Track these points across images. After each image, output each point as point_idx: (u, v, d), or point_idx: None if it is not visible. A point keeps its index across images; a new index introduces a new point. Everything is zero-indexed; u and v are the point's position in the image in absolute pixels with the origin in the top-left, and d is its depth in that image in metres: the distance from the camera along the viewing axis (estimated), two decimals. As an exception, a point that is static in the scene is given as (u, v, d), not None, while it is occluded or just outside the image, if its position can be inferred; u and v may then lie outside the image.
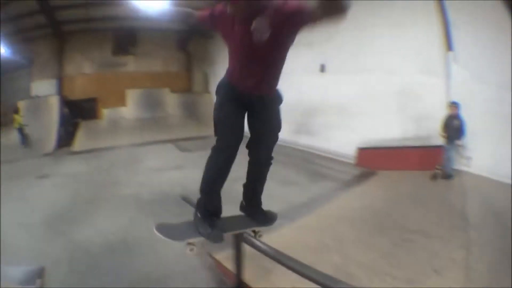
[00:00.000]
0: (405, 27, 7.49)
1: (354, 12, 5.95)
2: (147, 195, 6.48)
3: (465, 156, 6.86)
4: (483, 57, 6.61)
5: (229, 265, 3.35)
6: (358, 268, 3.36)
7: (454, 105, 6.60)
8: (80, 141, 13.17)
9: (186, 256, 3.70)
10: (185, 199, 4.07)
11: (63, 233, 4.99)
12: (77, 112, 15.16)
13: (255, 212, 2.45)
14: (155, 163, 9.00)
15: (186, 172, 7.91)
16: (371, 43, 8.17)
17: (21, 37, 14.21)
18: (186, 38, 17.21)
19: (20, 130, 12.62)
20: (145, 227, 4.64)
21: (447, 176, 6.65)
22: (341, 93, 8.89)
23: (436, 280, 3.23)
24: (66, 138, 13.71)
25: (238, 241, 2.68)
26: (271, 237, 2.88)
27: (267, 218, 2.45)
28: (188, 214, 4.25)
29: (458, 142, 6.59)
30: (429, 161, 7.08)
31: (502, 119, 6.23)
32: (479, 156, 6.64)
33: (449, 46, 7.09)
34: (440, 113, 6.93)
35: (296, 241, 3.85)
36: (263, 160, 2.30)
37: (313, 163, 8.28)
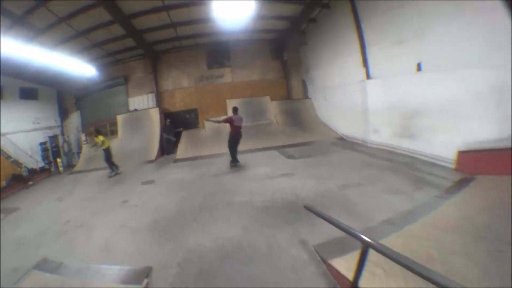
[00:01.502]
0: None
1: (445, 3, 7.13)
2: (259, 202, 6.71)
3: None
4: None
5: (343, 270, 3.75)
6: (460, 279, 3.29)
7: None
8: (183, 149, 14.30)
9: (301, 262, 4.20)
10: (308, 208, 4.64)
11: (169, 238, 5.39)
12: (179, 123, 17.13)
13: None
14: (264, 171, 9.42)
15: (295, 179, 8.27)
16: (467, 33, 7.73)
17: (112, 59, 16.12)
18: (281, 47, 17.90)
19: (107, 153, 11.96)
20: (260, 234, 5.21)
21: None
22: (440, 92, 8.67)
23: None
24: (169, 147, 15.03)
25: (364, 247, 3.17)
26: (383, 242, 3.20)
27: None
28: (307, 220, 4.78)
29: None
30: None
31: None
32: None
33: None
34: None
35: (403, 249, 3.99)
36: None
37: (416, 169, 8.24)
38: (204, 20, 13.56)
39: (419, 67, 9.39)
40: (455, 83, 8.17)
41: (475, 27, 7.48)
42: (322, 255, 4.36)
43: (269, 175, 8.90)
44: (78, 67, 14.52)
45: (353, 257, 3.45)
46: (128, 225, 6.28)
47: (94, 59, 15.94)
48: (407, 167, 8.52)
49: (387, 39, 10.53)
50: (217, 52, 17.97)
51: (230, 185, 8.34)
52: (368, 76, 11.76)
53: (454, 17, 7.91)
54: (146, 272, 4.08)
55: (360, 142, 12.54)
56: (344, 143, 12.96)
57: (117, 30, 13.20)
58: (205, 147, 14.05)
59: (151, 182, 9.66)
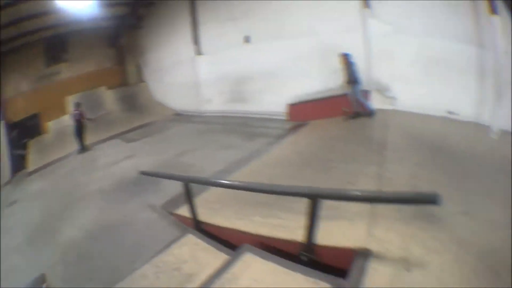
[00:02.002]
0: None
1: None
2: (108, 186, 7.06)
3: (389, 96, 8.17)
4: (403, 11, 7.86)
5: (187, 214, 4.17)
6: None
7: (344, 55, 7.75)
8: (33, 160, 12.97)
9: (153, 221, 4.68)
10: (144, 173, 5.32)
11: (47, 241, 5.35)
12: (24, 133, 15.03)
13: None
14: (107, 160, 9.39)
15: (136, 159, 8.59)
16: (292, 11, 9.21)
17: None
18: (117, 33, 17.29)
19: None
20: (115, 210, 5.61)
21: (358, 115, 7.86)
22: (267, 59, 9.86)
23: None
24: (20, 161, 13.60)
25: (185, 184, 3.92)
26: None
27: None
28: (151, 188, 5.31)
29: (358, 85, 7.76)
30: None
31: (426, 61, 7.63)
32: (406, 95, 7.96)
33: (366, 3, 8.28)
34: (361, 64, 8.04)
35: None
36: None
37: (248, 126, 9.22)
38: (43, 13, 12.11)
39: (247, 40, 10.38)
40: (281, 51, 9.47)
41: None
42: (169, 209, 4.87)
43: (113, 161, 8.98)
44: None
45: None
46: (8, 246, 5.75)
47: None
48: (240, 126, 9.44)
49: (220, 17, 11.25)
50: (53, 47, 16.30)
51: (82, 179, 8.34)
52: (199, 53, 12.30)
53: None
54: (42, 279, 4.02)
55: (196, 114, 13.08)
56: (181, 117, 13.50)
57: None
58: (54, 152, 13.24)
59: (15, 202, 8.66)
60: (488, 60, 7.16)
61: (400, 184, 3.94)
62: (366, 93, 8.15)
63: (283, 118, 9.15)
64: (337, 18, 8.61)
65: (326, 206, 3.34)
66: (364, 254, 2.64)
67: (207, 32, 12.02)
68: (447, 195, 3.50)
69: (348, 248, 2.76)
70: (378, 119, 7.59)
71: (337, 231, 3.04)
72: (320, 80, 8.81)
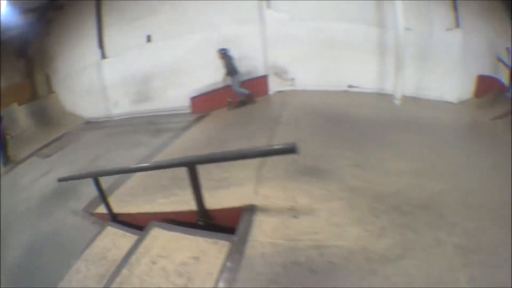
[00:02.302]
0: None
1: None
2: (34, 203, 7.11)
3: (288, 78, 9.39)
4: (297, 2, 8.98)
5: (105, 211, 4.71)
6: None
7: (221, 51, 8.84)
8: None
9: (79, 224, 5.18)
10: (62, 179, 5.51)
11: None
12: None
13: None
14: (27, 178, 9.24)
15: (54, 172, 8.52)
16: (192, 8, 9.85)
17: None
18: (25, 42, 16.16)
19: None
20: (44, 224, 5.82)
21: (243, 103, 9.11)
22: (169, 57, 10.39)
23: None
24: None
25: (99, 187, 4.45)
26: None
27: None
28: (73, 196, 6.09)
29: (237, 76, 8.99)
30: (254, 90, 9.43)
31: (322, 43, 8.92)
32: (304, 76, 9.38)
33: None
34: (257, 54, 9.38)
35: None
36: None
37: (155, 124, 9.88)
38: None
39: (148, 39, 10.78)
40: (181, 46, 10.14)
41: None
42: (89, 211, 5.39)
43: (34, 179, 8.86)
44: None
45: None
46: None
47: None
48: (146, 125, 10.08)
49: (125, 18, 11.33)
50: None
51: (10, 201, 8.03)
52: (103, 56, 12.31)
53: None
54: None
55: (105, 119, 13.00)
56: (91, 125, 13.29)
57: None
58: None
59: None
60: (388, 39, 8.75)
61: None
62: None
63: (187, 111, 10.04)
64: (235, 11, 9.52)
65: (218, 178, 4.21)
66: (250, 210, 3.15)
67: (111, 35, 11.99)
68: (337, 153, 4.72)
69: (235, 207, 3.30)
70: (277, 100, 8.84)
71: (228, 196, 3.66)
72: (219, 71, 9.51)
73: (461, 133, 6.59)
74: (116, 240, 3.84)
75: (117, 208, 4.65)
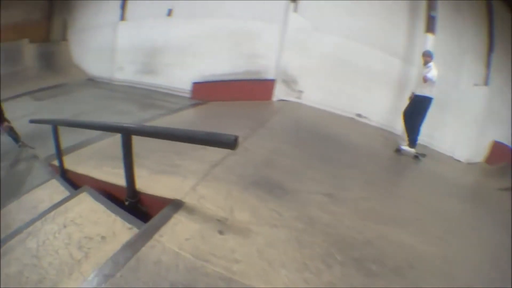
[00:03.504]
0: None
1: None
2: (3, 141, 6.97)
3: (296, 89, 8.96)
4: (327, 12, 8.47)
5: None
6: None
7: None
8: None
9: (32, 170, 5.24)
10: (33, 121, 5.33)
11: None
12: None
13: None
14: (10, 116, 9.13)
15: (37, 116, 8.11)
16: None
17: None
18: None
19: None
20: (3, 163, 5.78)
21: None
22: (183, 35, 10.01)
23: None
24: None
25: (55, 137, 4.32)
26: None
27: None
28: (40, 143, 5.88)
29: None
30: (258, 92, 9.03)
31: (338, 62, 8.36)
32: (313, 91, 8.91)
33: None
34: (270, 54, 8.83)
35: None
36: None
37: (151, 98, 9.59)
38: None
39: (169, 13, 10.44)
40: (198, 28, 9.69)
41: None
42: (49, 160, 5.16)
43: (15, 117, 8.66)
44: None
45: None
46: None
47: None
48: (142, 97, 9.84)
49: None
50: None
51: None
52: (122, 18, 12.08)
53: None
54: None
55: (107, 81, 12.94)
56: (92, 83, 13.31)
57: None
58: None
59: None
60: (411, 76, 8.12)
61: (254, 154, 4.45)
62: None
63: (187, 95, 9.67)
64: (260, 7, 8.99)
65: (169, 163, 3.94)
66: (174, 206, 2.82)
67: None
68: (312, 175, 4.20)
69: (163, 197, 3.02)
70: (276, 107, 8.40)
71: (165, 183, 3.38)
72: (228, 62, 9.28)
73: (462, 193, 5.88)
74: (53, 194, 3.76)
75: (69, 165, 4.47)
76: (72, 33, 16.18)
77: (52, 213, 2.98)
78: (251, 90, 9.02)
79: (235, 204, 2.99)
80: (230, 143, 2.03)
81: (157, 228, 2.43)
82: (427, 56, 6.53)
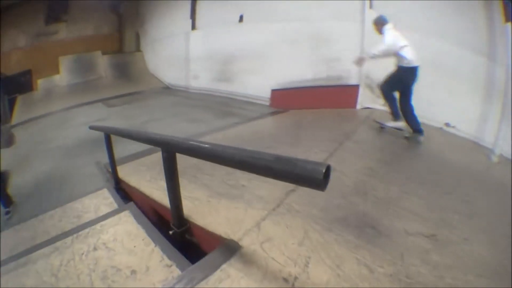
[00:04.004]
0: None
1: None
2: (71, 143, 7.43)
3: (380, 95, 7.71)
4: (406, 6, 7.23)
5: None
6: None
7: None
8: (18, 115, 13.44)
9: (93, 174, 5.15)
10: (92, 127, 5.04)
11: None
12: (15, 87, 15.33)
13: None
14: (82, 120, 9.51)
15: (107, 122, 8.67)
16: None
17: None
18: (118, 1, 17.28)
19: None
20: (68, 164, 6.04)
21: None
22: (257, 41, 9.55)
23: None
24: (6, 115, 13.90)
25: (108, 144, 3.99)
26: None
27: None
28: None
29: None
30: (341, 99, 8.11)
31: (423, 63, 6.21)
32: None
33: None
34: (351, 55, 7.45)
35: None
36: None
37: (227, 106, 9.23)
38: None
39: (241, 19, 10.15)
40: (273, 33, 9.13)
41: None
42: (107, 168, 4.87)
43: (86, 122, 8.93)
44: None
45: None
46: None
47: None
48: (218, 105, 9.48)
49: None
50: (55, 6, 16.45)
51: (51, 134, 8.74)
52: (193, 27, 12.22)
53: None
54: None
55: (182, 89, 13.17)
56: (168, 91, 13.71)
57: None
58: (37, 109, 13.43)
59: None
60: (498, 76, 6.57)
61: (342, 175, 3.59)
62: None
63: (265, 103, 9.08)
64: (334, 5, 8.19)
65: (234, 183, 3.31)
66: (227, 249, 2.14)
67: (203, 7, 11.90)
68: (396, 200, 3.13)
69: (216, 235, 2.35)
70: (360, 115, 7.44)
71: (225, 212, 2.70)
72: (307, 68, 8.55)
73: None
74: (100, 205, 3.56)
75: (126, 176, 4.11)
76: (145, 44, 16.98)
77: (87, 230, 2.74)
78: (333, 97, 8.15)
79: (312, 252, 2.10)
80: (316, 180, 1.15)
81: (195, 281, 1.81)
82: (378, 24, 5.66)
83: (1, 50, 15.12)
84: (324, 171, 1.11)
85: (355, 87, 8.00)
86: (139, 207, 3.14)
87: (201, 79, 11.99)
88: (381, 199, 3.11)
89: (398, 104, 5.85)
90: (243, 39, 10.01)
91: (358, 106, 8.02)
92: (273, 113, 8.21)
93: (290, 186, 2.99)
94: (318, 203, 2.78)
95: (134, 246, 2.42)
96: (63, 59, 15.88)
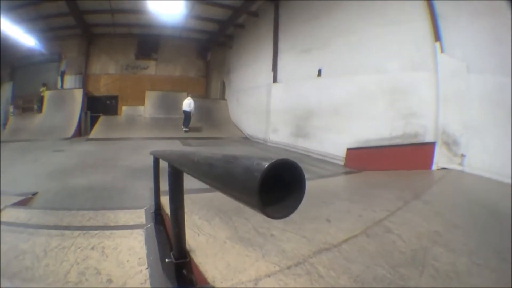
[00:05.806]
0: (392, 25, 7.80)
1: (345, 16, 8.42)
2: (136, 166, 7.74)
3: (457, 153, 6.53)
4: (477, 44, 6.25)
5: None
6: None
7: None
8: (97, 131, 14.72)
9: (145, 196, 5.04)
10: (153, 153, 5.06)
11: (59, 179, 6.32)
12: (100, 107, 16.81)
13: None
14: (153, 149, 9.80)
15: None
16: (361, 45, 8.60)
17: (51, 34, 15.74)
18: (206, 47, 18.42)
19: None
20: (126, 181, 6.22)
21: None
22: (334, 95, 9.33)
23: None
24: (85, 128, 15.09)
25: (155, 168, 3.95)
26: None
27: None
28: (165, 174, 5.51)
29: None
30: (416, 158, 7.18)
31: (504, 109, 5.59)
32: (479, 153, 6.17)
33: (436, 36, 6.93)
34: (430, 108, 6.99)
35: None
36: None
37: (301, 162, 8.73)
38: (139, 11, 13.72)
39: (319, 73, 10.13)
40: (349, 87, 8.84)
41: (370, 39, 8.38)
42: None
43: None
44: (19, 36, 14.05)
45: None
46: (30, 172, 7.09)
47: (35, 31, 14.81)
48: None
49: (297, 47, 11.30)
50: (146, 44, 17.87)
51: (122, 155, 9.34)
52: (275, 80, 12.44)
53: (354, 31, 8.79)
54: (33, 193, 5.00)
55: (261, 141, 13.14)
56: (246, 141, 13.86)
57: (62, 6, 13.03)
58: (117, 131, 14.54)
59: (61, 150, 10.43)
60: None
61: (397, 238, 3.04)
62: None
63: (340, 162, 8.57)
64: (406, 53, 7.62)
65: (264, 232, 3.04)
66: None
67: (285, 61, 12.20)
68: (464, 277, 2.45)
69: (203, 276, 2.23)
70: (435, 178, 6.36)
71: (231, 260, 2.49)
72: (384, 124, 7.86)
73: None
74: (129, 220, 3.58)
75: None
76: (230, 93, 17.68)
77: (97, 231, 2.87)
78: (407, 157, 7.23)
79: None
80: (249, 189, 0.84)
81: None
82: None
83: (91, 73, 17.27)
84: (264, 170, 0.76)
85: (431, 145, 7.00)
86: (164, 233, 3.04)
87: (279, 133, 11.95)
88: (446, 274, 2.38)
89: None
90: (321, 94, 9.90)
91: (434, 167, 6.93)
92: (346, 173, 7.66)
93: (326, 243, 2.73)
94: (353, 270, 2.28)
95: (127, 261, 2.38)
96: (149, 92, 17.52)
